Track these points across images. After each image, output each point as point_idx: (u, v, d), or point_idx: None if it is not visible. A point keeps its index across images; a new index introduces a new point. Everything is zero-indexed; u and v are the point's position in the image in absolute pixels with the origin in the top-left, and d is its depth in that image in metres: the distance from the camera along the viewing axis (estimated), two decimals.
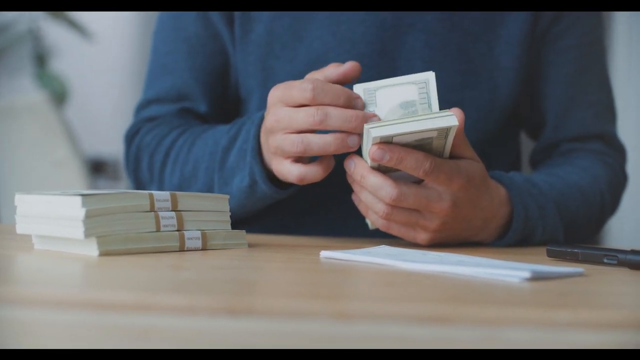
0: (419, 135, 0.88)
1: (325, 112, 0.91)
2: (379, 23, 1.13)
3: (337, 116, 0.91)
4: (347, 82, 0.97)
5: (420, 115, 0.88)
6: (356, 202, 0.98)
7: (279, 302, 0.60)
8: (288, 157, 0.95)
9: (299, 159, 0.95)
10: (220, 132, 1.08)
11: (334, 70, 0.97)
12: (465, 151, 0.95)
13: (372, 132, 0.87)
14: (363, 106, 0.92)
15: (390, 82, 0.93)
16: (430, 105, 0.92)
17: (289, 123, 0.93)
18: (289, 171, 0.95)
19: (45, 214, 0.83)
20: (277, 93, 0.95)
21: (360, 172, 0.93)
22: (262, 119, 1.01)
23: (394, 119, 0.89)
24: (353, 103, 0.92)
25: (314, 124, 0.91)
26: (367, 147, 0.90)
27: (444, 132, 0.89)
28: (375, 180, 0.92)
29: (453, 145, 0.94)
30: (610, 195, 1.19)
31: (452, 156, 0.95)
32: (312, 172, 0.95)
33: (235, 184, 1.04)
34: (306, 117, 0.91)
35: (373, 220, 0.97)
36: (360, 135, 0.92)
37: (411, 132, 0.87)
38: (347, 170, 0.95)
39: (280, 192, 1.02)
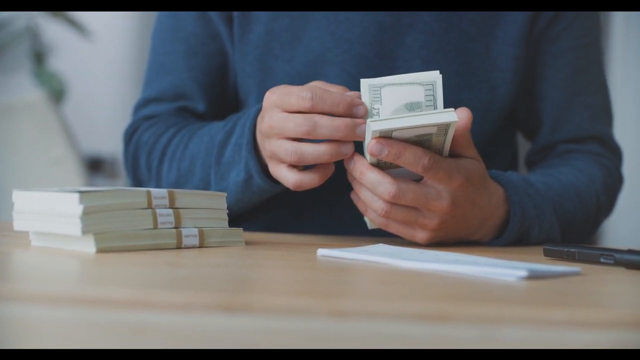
0: (419, 130, 0.88)
1: (314, 122, 0.91)
2: (377, 23, 1.13)
3: (326, 126, 0.91)
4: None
5: (421, 111, 0.89)
6: (355, 201, 0.98)
7: (275, 299, 0.60)
8: (284, 163, 0.95)
9: (295, 165, 0.95)
10: (216, 128, 1.09)
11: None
12: (467, 150, 0.95)
13: (372, 126, 0.88)
14: (366, 112, 0.91)
15: (396, 79, 0.92)
16: (436, 108, 0.92)
17: (281, 130, 0.93)
18: (285, 178, 0.96)
19: (43, 211, 0.83)
20: (274, 97, 0.94)
21: (359, 168, 0.93)
22: (257, 113, 1.01)
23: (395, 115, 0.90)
24: (354, 110, 0.91)
25: (303, 134, 0.91)
26: (367, 142, 0.91)
27: (444, 128, 0.89)
28: (374, 177, 0.92)
29: (457, 144, 0.94)
30: (606, 196, 1.19)
31: (454, 155, 0.95)
32: (308, 179, 0.95)
33: (232, 178, 1.04)
34: (295, 126, 0.91)
35: (372, 219, 0.97)
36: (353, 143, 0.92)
37: (411, 126, 0.87)
38: (347, 167, 0.95)
39: (275, 186, 1.02)
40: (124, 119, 1.37)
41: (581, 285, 0.72)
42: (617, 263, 0.82)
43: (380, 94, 0.92)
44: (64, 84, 3.01)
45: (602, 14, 2.79)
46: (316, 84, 0.97)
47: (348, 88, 0.96)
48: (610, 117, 1.26)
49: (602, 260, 0.84)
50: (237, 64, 1.18)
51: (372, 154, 0.89)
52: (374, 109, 0.92)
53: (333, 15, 1.14)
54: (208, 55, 1.20)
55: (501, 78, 1.16)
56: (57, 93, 2.95)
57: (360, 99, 0.92)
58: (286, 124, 0.92)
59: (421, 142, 0.91)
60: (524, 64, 1.17)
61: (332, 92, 0.91)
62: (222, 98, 1.22)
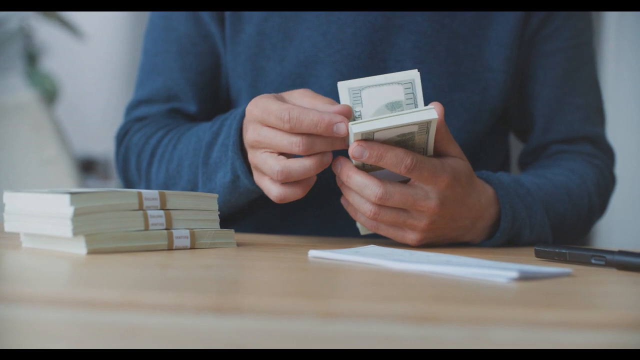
0: (400, 130, 0.88)
1: (311, 141, 0.91)
2: (368, 24, 1.13)
3: (323, 142, 0.91)
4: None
5: (401, 111, 0.89)
6: (345, 206, 0.98)
7: (266, 301, 0.60)
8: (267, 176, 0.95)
9: None
10: (204, 129, 1.08)
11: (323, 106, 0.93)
12: (450, 149, 0.95)
13: (353, 129, 0.88)
14: (346, 126, 0.91)
15: (375, 80, 0.91)
16: (416, 106, 0.92)
17: (270, 144, 0.92)
18: (269, 190, 0.96)
19: (34, 212, 0.83)
20: (256, 112, 0.93)
21: (346, 172, 0.93)
22: (243, 114, 1.01)
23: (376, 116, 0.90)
24: (334, 128, 0.90)
25: (299, 152, 0.91)
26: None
27: (425, 126, 0.89)
28: (360, 180, 0.92)
29: (438, 141, 0.94)
30: (598, 197, 1.19)
31: (438, 153, 0.95)
32: (291, 193, 0.95)
33: (219, 179, 1.04)
34: (290, 145, 0.91)
35: (362, 222, 0.97)
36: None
37: (391, 127, 0.87)
38: (334, 172, 0.95)
39: None
40: (117, 120, 1.37)
41: (572, 286, 0.72)
42: (608, 264, 0.83)
43: (360, 96, 0.91)
44: (56, 85, 3.01)
45: (595, 13, 2.80)
46: (302, 92, 0.96)
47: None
48: (602, 118, 1.26)
49: (593, 261, 0.84)
50: (228, 64, 1.18)
51: (353, 157, 0.89)
52: (356, 111, 0.92)
53: (325, 16, 1.14)
54: (200, 56, 1.20)
55: (493, 79, 1.16)
56: (49, 94, 2.95)
57: (340, 103, 0.92)
58: (278, 140, 0.92)
59: (404, 141, 0.91)
60: (515, 65, 1.18)
61: (310, 111, 0.90)
62: (213, 98, 1.22)
